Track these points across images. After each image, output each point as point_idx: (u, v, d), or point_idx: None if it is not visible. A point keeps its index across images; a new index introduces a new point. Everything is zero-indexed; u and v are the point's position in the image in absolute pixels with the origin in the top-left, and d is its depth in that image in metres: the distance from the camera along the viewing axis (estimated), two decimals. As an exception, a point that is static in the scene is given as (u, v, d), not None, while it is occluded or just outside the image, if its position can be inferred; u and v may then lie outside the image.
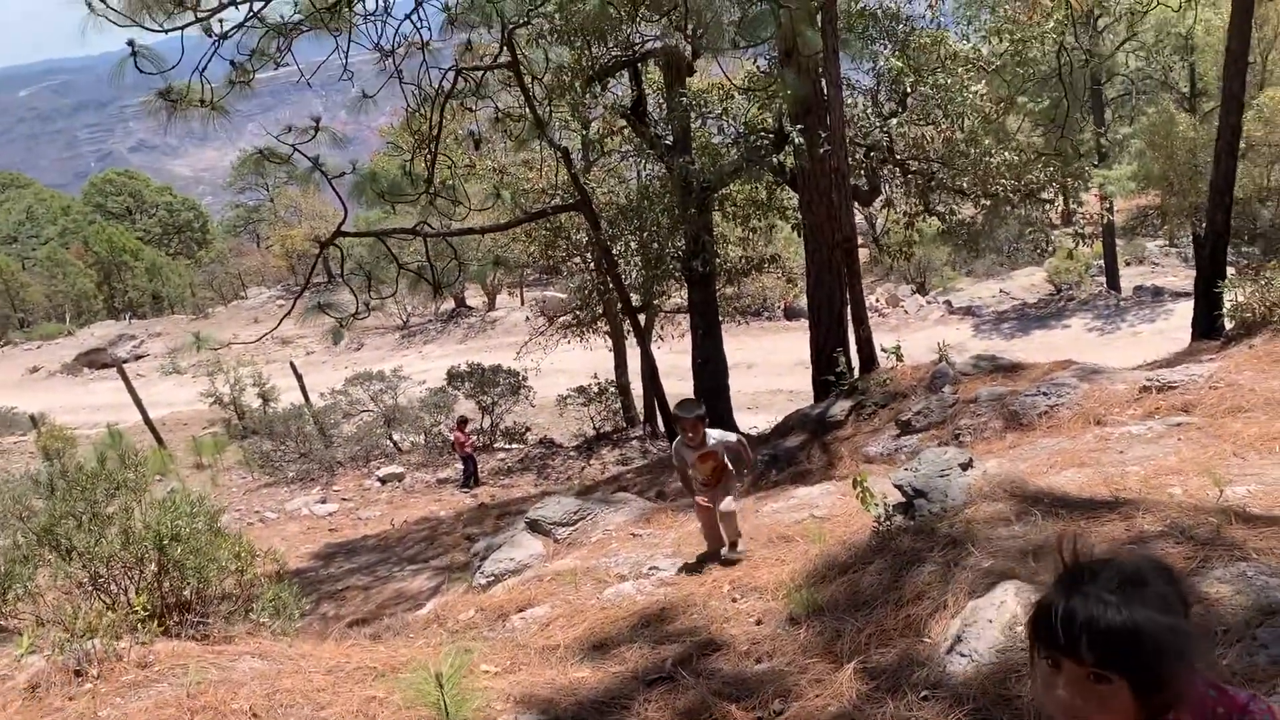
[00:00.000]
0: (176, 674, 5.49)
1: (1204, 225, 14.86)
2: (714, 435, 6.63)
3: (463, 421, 20.05)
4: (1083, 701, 1.56)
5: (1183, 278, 32.20)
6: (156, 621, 6.73)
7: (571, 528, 8.69)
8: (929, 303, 35.58)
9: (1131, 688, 1.54)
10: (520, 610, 6.78)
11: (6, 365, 44.80)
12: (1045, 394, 9.50)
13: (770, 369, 27.85)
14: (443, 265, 15.29)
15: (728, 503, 6.61)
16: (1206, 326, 12.95)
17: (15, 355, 47.17)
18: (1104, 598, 1.54)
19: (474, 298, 43.82)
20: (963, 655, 4.22)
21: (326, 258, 14.67)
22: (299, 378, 25.01)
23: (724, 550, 6.74)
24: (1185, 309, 26.13)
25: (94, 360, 42.88)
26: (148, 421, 25.36)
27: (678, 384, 21.45)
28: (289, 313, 14.90)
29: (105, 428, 24.80)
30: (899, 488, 6.26)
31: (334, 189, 14.03)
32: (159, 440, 25.03)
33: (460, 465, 19.45)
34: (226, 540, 7.68)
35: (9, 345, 49.99)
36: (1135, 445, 7.28)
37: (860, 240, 19.86)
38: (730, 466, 6.78)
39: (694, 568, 6.85)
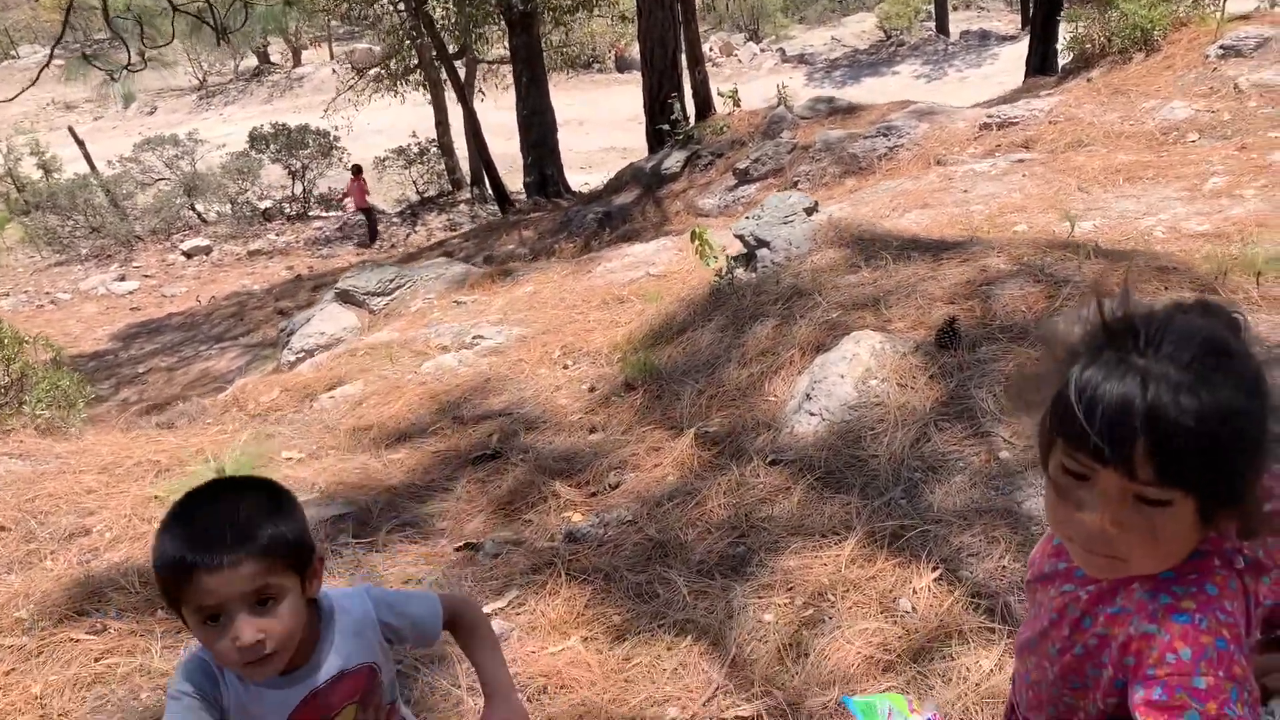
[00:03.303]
0: (-85, 487, 4.67)
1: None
2: (346, 609, 1.62)
3: (358, 170, 18.28)
4: (1120, 530, 1.03)
5: (1007, 22, 32.25)
6: (-93, 424, 5.81)
7: (388, 297, 7.94)
8: (762, 51, 34.63)
9: (1198, 505, 1.01)
10: (329, 389, 6.12)
11: None
12: (884, 135, 9.11)
13: (603, 125, 26.70)
14: (226, 7, 13.44)
15: None
16: (1041, 62, 12.70)
17: None
18: (1173, 377, 0.98)
19: (278, 53, 40.08)
20: (811, 414, 3.85)
21: (104, 4, 12.66)
22: (80, 143, 22.49)
23: None
24: (1011, 53, 26.21)
25: None
26: (-91, 199, 22.52)
27: (505, 143, 20.22)
28: (46, 64, 12.96)
29: None
30: (740, 238, 5.76)
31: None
32: (-75, 220, 22.33)
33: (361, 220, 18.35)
34: (-17, 330, 6.66)
35: None
36: (979, 183, 6.98)
37: (693, -20, 18.61)
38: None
39: (522, 335, 6.29)
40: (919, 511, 3.15)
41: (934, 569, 2.87)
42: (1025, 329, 3.90)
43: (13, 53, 54.26)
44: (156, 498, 4.45)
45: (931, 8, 33.13)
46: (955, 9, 35.19)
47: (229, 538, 1.38)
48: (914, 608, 2.77)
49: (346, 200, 18.86)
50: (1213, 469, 0.97)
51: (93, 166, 22.04)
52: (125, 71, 12.62)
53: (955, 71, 28.03)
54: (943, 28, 32.61)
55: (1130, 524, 1.02)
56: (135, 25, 13.48)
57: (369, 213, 18.10)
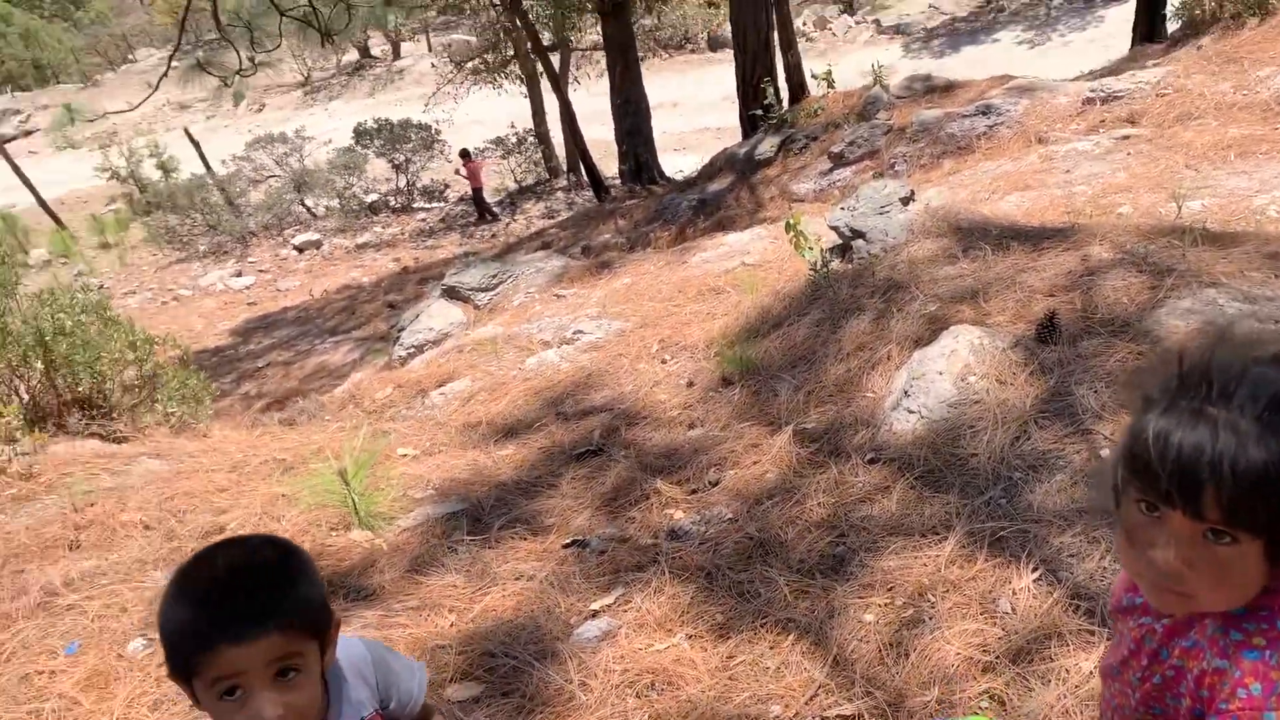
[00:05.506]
0: (65, 484, 5.04)
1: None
2: (347, 656, 1.52)
3: (465, 154, 19.15)
4: (1190, 568, 1.09)
5: (1116, -19, 31.00)
6: (54, 421, 6.25)
7: (491, 292, 8.17)
8: (858, 23, 34.02)
9: (1265, 547, 1.07)
10: (440, 385, 6.36)
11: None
12: (984, 114, 8.95)
13: (696, 107, 26.65)
14: (329, 9, 13.87)
15: None
16: (1148, 30, 12.26)
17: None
18: (1242, 428, 1.04)
19: (378, 47, 41.01)
20: (910, 412, 3.88)
21: (215, 10, 13.23)
22: (196, 145, 23.44)
23: None
24: (1117, 14, 25.24)
25: (-25, 140, 39.88)
26: (42, 202, 23.82)
27: (600, 130, 20.38)
28: (165, 74, 13.55)
29: (-5, 213, 23.27)
30: (835, 229, 5.78)
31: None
32: (57, 222, 23.60)
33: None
34: (119, 329, 7.10)
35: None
36: (1082, 163, 6.84)
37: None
38: None
39: (621, 330, 6.43)
40: (1019, 511, 3.18)
41: (1034, 570, 2.90)
42: (1127, 322, 3.86)
43: (130, 57, 56.67)
44: (284, 495, 4.72)
45: (1033, -30, 32.03)
46: (1059, -30, 33.97)
47: (255, 605, 1.27)
48: (1014, 608, 2.81)
49: (468, 179, 19.46)
50: (1278, 514, 1.03)
51: (208, 166, 23.00)
52: (237, 77, 13.14)
53: (1059, 36, 27.10)
54: (1045, -10, 31.55)
55: (1199, 562, 1.08)
56: (245, 30, 14.02)
57: (478, 193, 18.76)
